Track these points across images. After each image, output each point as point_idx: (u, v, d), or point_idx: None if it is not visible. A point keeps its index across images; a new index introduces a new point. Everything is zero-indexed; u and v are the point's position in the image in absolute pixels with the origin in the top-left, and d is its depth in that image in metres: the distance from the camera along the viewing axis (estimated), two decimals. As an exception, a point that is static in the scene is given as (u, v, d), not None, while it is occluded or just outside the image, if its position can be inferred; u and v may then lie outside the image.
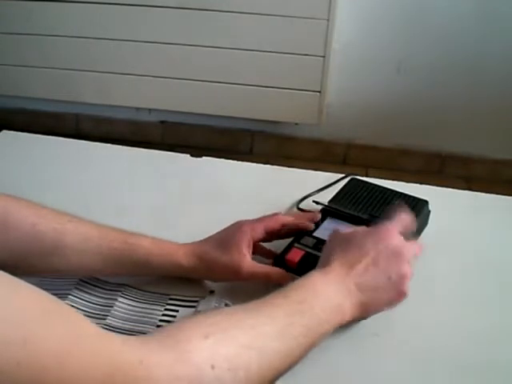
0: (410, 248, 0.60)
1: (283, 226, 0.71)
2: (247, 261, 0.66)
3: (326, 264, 0.59)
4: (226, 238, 0.67)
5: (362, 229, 0.63)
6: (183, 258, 0.66)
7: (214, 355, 0.46)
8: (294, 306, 0.53)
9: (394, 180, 0.90)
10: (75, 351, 0.38)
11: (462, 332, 0.66)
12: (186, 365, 0.44)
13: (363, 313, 0.58)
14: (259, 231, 0.68)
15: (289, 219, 0.72)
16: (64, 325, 0.39)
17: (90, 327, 0.42)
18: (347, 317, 0.56)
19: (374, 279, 0.57)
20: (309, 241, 0.70)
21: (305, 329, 0.52)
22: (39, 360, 0.36)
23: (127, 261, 0.65)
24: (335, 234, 0.63)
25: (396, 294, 0.58)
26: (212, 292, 0.68)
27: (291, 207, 0.84)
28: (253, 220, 0.70)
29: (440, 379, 0.60)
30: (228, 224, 0.70)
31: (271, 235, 0.70)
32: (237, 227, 0.68)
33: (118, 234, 0.65)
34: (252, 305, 0.53)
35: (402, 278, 0.58)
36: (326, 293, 0.55)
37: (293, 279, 0.65)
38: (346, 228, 0.64)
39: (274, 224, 0.70)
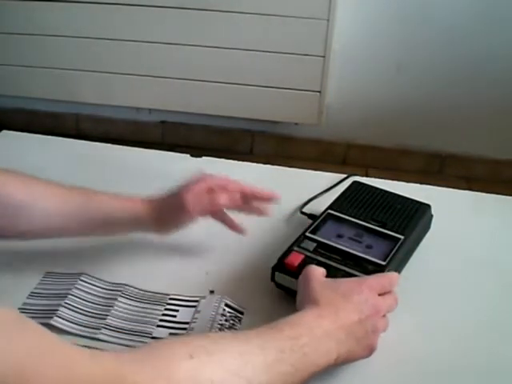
0: (386, 303, 0.60)
1: (242, 192, 0.72)
2: (192, 194, 0.68)
3: (316, 303, 0.57)
4: (183, 184, 0.71)
5: (346, 280, 0.62)
6: (141, 206, 0.69)
7: (198, 376, 0.44)
8: (286, 341, 0.52)
9: (394, 180, 0.90)
10: (41, 365, 0.37)
11: (463, 332, 0.66)
12: (167, 382, 0.43)
13: (343, 362, 0.57)
14: (218, 182, 0.71)
15: (249, 188, 0.72)
16: (28, 339, 0.38)
17: (58, 341, 0.40)
18: (332, 363, 0.55)
19: (357, 330, 0.56)
20: (309, 244, 0.69)
21: (293, 368, 0.51)
22: None
23: (90, 214, 0.67)
24: (316, 272, 0.61)
25: (367, 348, 0.57)
26: (212, 292, 0.68)
27: (291, 207, 0.84)
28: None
29: (440, 380, 0.60)
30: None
31: (229, 196, 0.71)
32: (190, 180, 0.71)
33: (82, 191, 0.68)
34: (242, 334, 0.53)
35: (374, 333, 0.57)
36: (318, 334, 0.54)
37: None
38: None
39: (235, 186, 0.71)
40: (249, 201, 0.73)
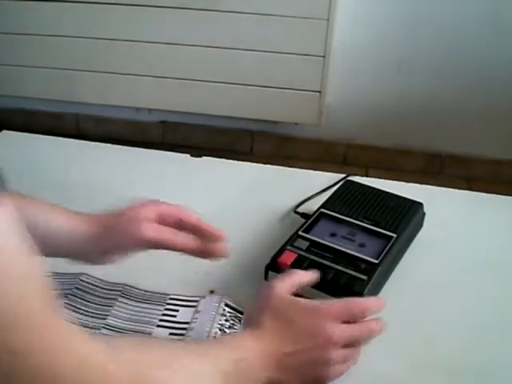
0: (347, 332, 0.56)
1: (181, 220, 0.63)
2: (150, 221, 0.61)
3: (259, 327, 0.55)
4: (131, 205, 0.64)
5: (302, 304, 0.57)
6: (83, 221, 0.63)
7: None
8: (230, 363, 0.52)
9: (393, 180, 0.90)
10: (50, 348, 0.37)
11: (462, 332, 0.66)
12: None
13: None
14: (155, 207, 0.64)
15: (191, 217, 0.64)
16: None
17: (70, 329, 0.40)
18: None
19: (298, 362, 0.54)
20: (302, 243, 0.69)
21: None
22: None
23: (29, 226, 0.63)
24: (276, 294, 0.57)
25: (313, 380, 0.55)
26: (212, 292, 0.68)
27: (290, 207, 0.84)
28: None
29: (439, 380, 0.60)
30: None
31: (165, 222, 0.63)
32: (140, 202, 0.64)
33: (29, 203, 0.63)
34: (193, 351, 0.52)
35: (324, 365, 0.55)
36: (253, 361, 0.53)
37: (202, 249, 0.61)
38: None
39: (173, 210, 0.64)
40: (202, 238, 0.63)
